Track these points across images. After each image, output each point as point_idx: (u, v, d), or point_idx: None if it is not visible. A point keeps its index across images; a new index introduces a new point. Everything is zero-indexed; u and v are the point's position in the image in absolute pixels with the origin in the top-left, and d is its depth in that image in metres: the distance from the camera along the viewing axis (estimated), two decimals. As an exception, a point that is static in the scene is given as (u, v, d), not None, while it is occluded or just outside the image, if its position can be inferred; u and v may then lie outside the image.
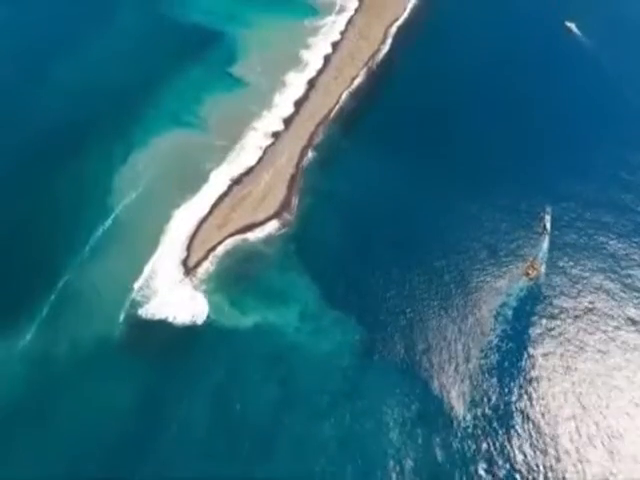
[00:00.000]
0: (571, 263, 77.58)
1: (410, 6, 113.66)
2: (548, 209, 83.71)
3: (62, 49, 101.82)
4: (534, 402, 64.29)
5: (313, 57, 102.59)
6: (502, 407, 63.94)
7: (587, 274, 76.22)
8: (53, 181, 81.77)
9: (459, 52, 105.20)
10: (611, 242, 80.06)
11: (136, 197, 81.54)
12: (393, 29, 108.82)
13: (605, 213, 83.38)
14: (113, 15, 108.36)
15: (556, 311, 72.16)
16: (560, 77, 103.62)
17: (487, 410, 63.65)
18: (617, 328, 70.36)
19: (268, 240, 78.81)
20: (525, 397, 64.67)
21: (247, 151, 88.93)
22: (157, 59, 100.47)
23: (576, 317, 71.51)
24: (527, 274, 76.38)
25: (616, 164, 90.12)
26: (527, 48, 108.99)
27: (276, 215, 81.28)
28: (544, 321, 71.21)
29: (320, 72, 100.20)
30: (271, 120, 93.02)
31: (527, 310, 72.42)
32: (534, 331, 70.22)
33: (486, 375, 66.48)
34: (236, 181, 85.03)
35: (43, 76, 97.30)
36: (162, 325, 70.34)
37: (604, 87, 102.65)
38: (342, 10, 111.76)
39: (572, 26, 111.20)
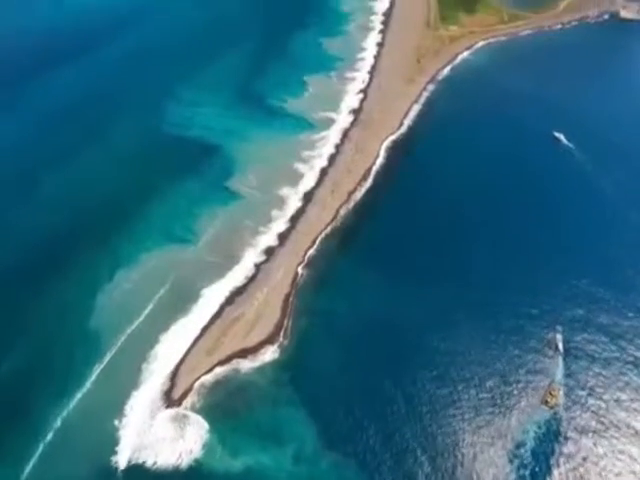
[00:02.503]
0: (590, 386, 71.63)
1: (406, 121, 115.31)
2: (559, 328, 79.24)
3: (56, 161, 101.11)
4: None
5: (309, 171, 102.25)
6: None
7: (609, 400, 70.08)
8: (33, 308, 77.68)
9: (454, 165, 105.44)
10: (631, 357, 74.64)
11: (121, 321, 76.81)
12: (389, 143, 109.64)
13: (616, 324, 78.89)
14: (111, 129, 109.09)
15: (583, 454, 65.08)
16: (551, 187, 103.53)
17: None
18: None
19: (261, 368, 73.16)
20: None
21: (240, 268, 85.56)
22: (153, 172, 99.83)
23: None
24: (546, 402, 70.22)
25: (618, 270, 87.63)
26: (519, 159, 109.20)
27: (269, 339, 76.20)
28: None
29: (316, 186, 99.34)
30: (266, 235, 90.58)
31: (549, 450, 65.39)
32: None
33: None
34: (228, 301, 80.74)
35: (33, 189, 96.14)
36: (142, 470, 63.02)
37: (596, 196, 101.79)
38: (338, 124, 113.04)
39: (561, 136, 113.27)
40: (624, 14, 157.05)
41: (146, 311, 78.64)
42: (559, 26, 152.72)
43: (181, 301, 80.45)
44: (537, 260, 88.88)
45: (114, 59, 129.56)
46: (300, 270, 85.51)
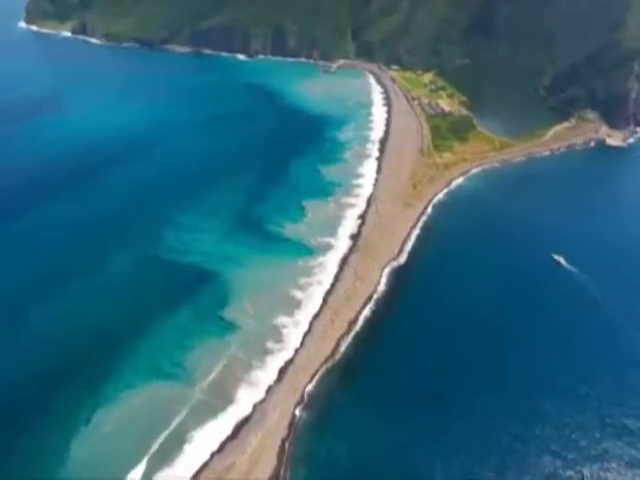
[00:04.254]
0: None
1: (405, 246, 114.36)
2: (586, 472, 71.55)
3: (46, 292, 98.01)
4: None
5: (308, 299, 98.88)
6: None
7: None
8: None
9: (455, 291, 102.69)
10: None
11: (99, 471, 68.76)
12: (389, 269, 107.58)
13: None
14: (107, 257, 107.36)
15: None
16: (558, 312, 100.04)
17: None
18: None
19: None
20: None
21: (233, 409, 78.97)
22: (146, 302, 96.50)
23: None
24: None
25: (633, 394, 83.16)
26: (521, 283, 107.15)
27: (264, 495, 67.84)
28: None
29: (316, 315, 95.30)
30: (262, 371, 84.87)
31: None
32: None
33: None
34: (218, 449, 73.14)
35: (18, 321, 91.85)
36: None
37: (600, 321, 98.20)
38: (336, 250, 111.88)
39: (560, 259, 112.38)
40: (610, 141, 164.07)
41: (127, 460, 70.93)
42: (548, 153, 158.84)
43: (164, 448, 73.06)
44: (541, 390, 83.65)
45: (116, 187, 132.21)
46: (298, 411, 78.71)
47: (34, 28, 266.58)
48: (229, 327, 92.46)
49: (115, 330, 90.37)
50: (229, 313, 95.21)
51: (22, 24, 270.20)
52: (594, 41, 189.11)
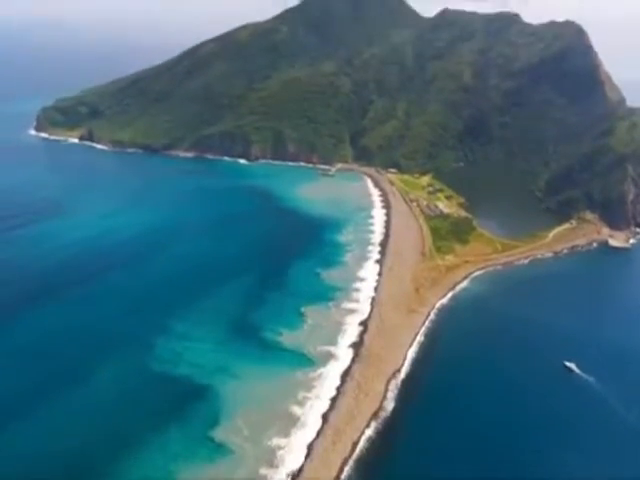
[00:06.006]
0: None
1: (410, 355, 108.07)
2: None
3: (23, 405, 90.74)
4: None
5: (308, 416, 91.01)
6: None
7: None
8: None
9: (463, 403, 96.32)
10: None
11: None
12: (394, 382, 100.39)
13: None
14: (94, 367, 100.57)
15: None
16: (573, 426, 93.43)
17: None
18: None
19: None
20: None
21: None
22: (131, 421, 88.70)
23: None
24: None
25: None
26: (532, 396, 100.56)
27: None
28: None
29: (316, 435, 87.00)
30: (256, 503, 75.54)
31: None
32: None
33: None
34: None
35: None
36: None
37: (626, 437, 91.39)
38: (338, 360, 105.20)
39: (572, 366, 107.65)
40: (613, 243, 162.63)
41: None
42: (551, 254, 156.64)
43: None
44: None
45: (112, 293, 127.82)
46: None
47: (43, 135, 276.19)
48: (220, 450, 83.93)
49: (95, 453, 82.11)
50: (221, 433, 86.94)
51: (32, 132, 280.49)
52: (586, 146, 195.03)
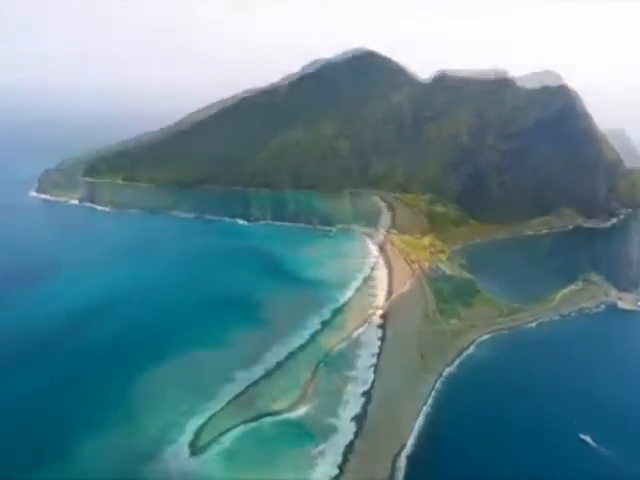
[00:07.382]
0: None
1: (417, 427, 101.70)
2: None
3: None
4: None
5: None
6: None
7: None
8: None
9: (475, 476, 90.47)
10: None
11: None
12: (401, 459, 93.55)
13: None
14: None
15: None
16: None
17: None
18: None
19: None
20: None
21: None
22: None
23: None
24: None
25: None
26: (546, 471, 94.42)
27: None
28: None
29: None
30: None
31: None
32: None
33: None
34: None
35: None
36: None
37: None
38: (340, 435, 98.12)
39: (587, 438, 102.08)
40: (622, 305, 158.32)
41: None
42: (558, 317, 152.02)
43: None
44: None
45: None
46: None
47: (44, 197, 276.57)
48: None
49: None
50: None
51: (33, 193, 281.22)
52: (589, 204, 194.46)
